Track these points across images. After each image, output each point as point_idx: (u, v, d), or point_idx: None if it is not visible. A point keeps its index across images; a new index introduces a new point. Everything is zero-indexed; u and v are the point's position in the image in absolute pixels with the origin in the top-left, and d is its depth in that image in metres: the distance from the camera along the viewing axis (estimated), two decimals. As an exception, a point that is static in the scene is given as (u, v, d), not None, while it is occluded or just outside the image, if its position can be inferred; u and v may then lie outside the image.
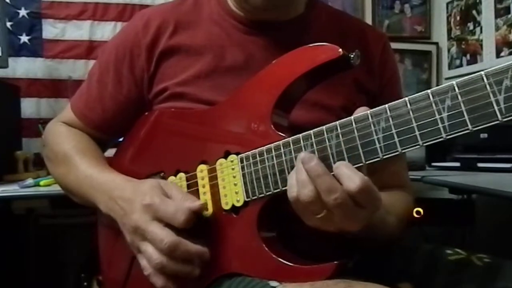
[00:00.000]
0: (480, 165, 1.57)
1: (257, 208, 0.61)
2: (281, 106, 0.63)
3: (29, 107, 1.88)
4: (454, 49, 2.29)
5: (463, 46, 2.22)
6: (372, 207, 0.53)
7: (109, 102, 0.80)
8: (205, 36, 0.76)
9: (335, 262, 0.55)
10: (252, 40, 0.75)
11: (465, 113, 0.46)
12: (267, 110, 0.62)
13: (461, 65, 2.23)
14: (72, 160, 0.77)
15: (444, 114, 0.47)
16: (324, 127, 0.55)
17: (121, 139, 0.84)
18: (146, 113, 0.78)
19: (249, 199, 0.61)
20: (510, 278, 0.60)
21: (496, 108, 0.45)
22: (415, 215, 1.77)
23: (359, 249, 0.72)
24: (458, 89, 0.47)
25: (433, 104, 0.48)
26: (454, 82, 0.47)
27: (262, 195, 0.60)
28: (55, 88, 1.93)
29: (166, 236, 0.59)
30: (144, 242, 0.61)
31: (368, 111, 0.52)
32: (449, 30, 2.33)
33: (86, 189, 0.73)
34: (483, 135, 1.59)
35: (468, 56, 2.18)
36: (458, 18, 2.26)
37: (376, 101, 0.75)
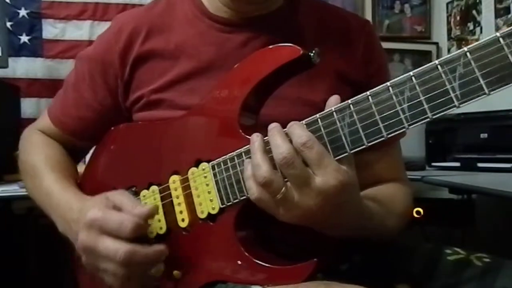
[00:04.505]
0: (480, 165, 1.56)
1: (233, 213, 0.61)
2: (248, 108, 0.62)
3: (29, 107, 1.89)
4: (454, 49, 2.28)
5: (463, 46, 2.21)
6: (324, 173, 0.51)
7: (85, 110, 0.79)
8: (180, 38, 0.74)
9: (315, 259, 0.54)
10: (228, 38, 0.73)
11: (424, 102, 0.48)
12: (234, 114, 0.61)
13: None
14: (39, 173, 0.76)
15: (405, 105, 0.49)
16: (289, 124, 0.55)
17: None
18: (112, 128, 0.77)
19: (224, 205, 0.61)
20: (510, 278, 0.60)
21: (452, 95, 0.47)
22: (415, 215, 1.77)
23: (352, 252, 0.72)
24: (415, 79, 0.49)
25: (393, 96, 0.50)
26: (410, 72, 0.49)
27: (237, 200, 0.59)
28: (55, 88, 1.89)
29: (119, 247, 0.57)
30: (100, 259, 0.59)
31: (333, 108, 0.53)
32: (449, 30, 2.32)
33: (46, 207, 0.73)
34: (483, 135, 1.59)
35: (468, 56, 2.18)
36: (458, 18, 2.25)
37: (365, 90, 0.75)
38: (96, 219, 0.59)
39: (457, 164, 1.65)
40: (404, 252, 0.71)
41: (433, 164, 1.76)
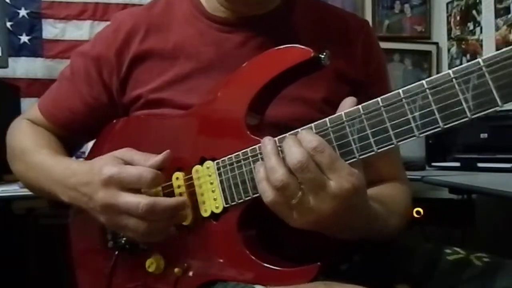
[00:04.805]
0: (480, 165, 1.57)
1: (237, 213, 0.60)
2: (254, 109, 0.62)
3: (29, 107, 1.88)
4: (454, 49, 2.29)
5: (463, 46, 2.22)
6: (338, 177, 0.51)
7: (78, 103, 0.79)
8: (179, 38, 0.74)
9: (319, 263, 0.54)
10: (227, 38, 0.73)
11: (436, 112, 0.47)
12: (241, 114, 0.61)
13: (461, 65, 2.23)
14: (29, 154, 0.75)
15: (416, 113, 0.49)
16: (299, 130, 0.55)
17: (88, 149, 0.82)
18: (114, 121, 0.77)
19: (228, 205, 0.60)
20: (510, 278, 0.60)
21: (465, 106, 0.46)
22: (415, 215, 1.77)
23: (352, 252, 0.71)
24: (429, 89, 0.48)
25: (405, 104, 0.49)
26: (423, 81, 0.48)
27: (241, 200, 0.59)
28: (55, 88, 1.93)
29: (140, 200, 0.58)
30: (121, 216, 0.60)
31: (343, 113, 0.52)
32: (449, 30, 2.32)
33: (45, 182, 0.71)
34: (483, 135, 1.59)
35: (468, 56, 2.18)
36: (458, 18, 2.26)
37: (364, 90, 0.73)
38: (113, 175, 0.59)
39: (457, 164, 1.65)
40: (404, 252, 0.71)
41: (433, 164, 1.76)
